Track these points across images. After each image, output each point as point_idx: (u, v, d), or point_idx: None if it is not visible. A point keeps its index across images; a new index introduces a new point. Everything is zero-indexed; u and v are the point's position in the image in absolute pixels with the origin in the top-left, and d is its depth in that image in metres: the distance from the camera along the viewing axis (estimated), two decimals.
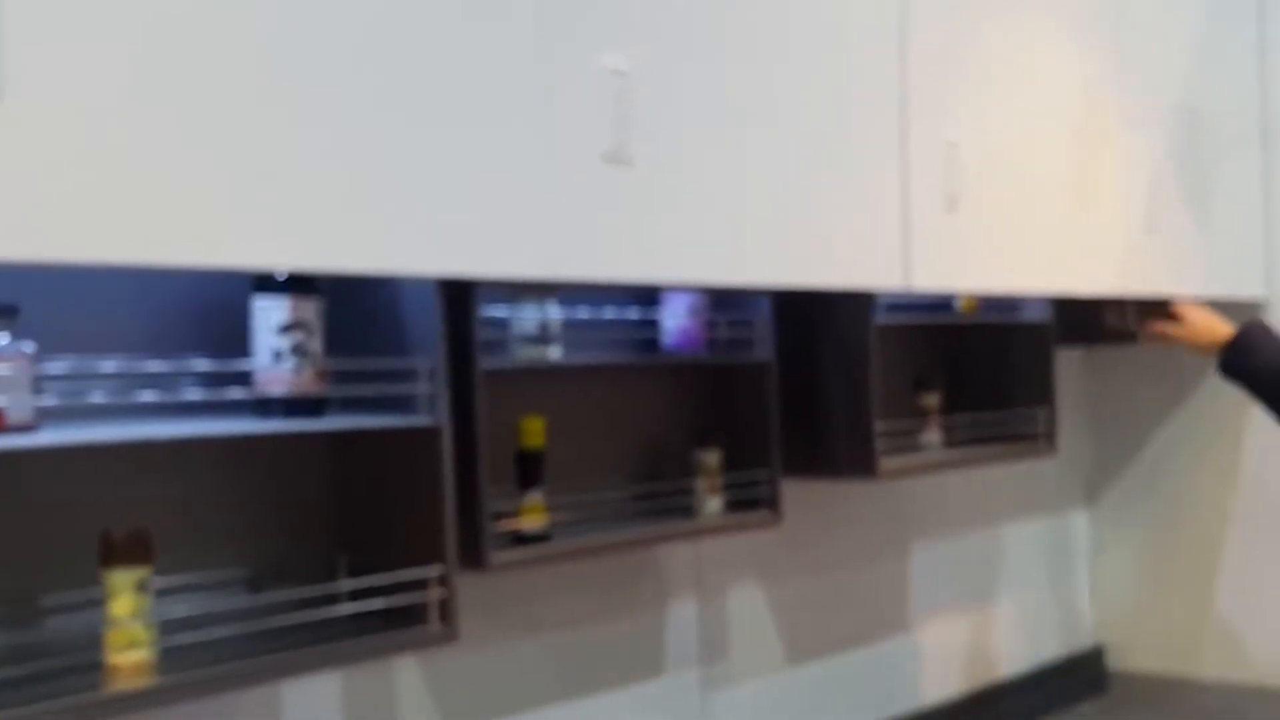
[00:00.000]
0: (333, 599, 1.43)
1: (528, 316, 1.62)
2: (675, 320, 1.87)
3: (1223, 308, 2.78)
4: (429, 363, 1.40)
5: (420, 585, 1.40)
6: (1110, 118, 2.33)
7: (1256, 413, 2.78)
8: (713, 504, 1.85)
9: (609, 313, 1.82)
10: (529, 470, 1.64)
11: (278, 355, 1.36)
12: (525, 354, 1.64)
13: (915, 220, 1.88)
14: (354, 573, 1.48)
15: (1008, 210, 2.08)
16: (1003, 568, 2.77)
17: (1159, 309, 2.22)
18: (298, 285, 1.37)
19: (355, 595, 1.43)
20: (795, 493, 1.96)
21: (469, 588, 1.47)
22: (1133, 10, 2.37)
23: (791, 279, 1.74)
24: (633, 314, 1.87)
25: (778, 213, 1.69)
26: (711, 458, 1.85)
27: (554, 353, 1.66)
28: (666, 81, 1.54)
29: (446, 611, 1.40)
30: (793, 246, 1.72)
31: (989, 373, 2.39)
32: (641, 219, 1.52)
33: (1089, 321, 2.45)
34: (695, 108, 1.58)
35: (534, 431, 1.65)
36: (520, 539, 1.61)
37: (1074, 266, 2.26)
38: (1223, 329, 2.15)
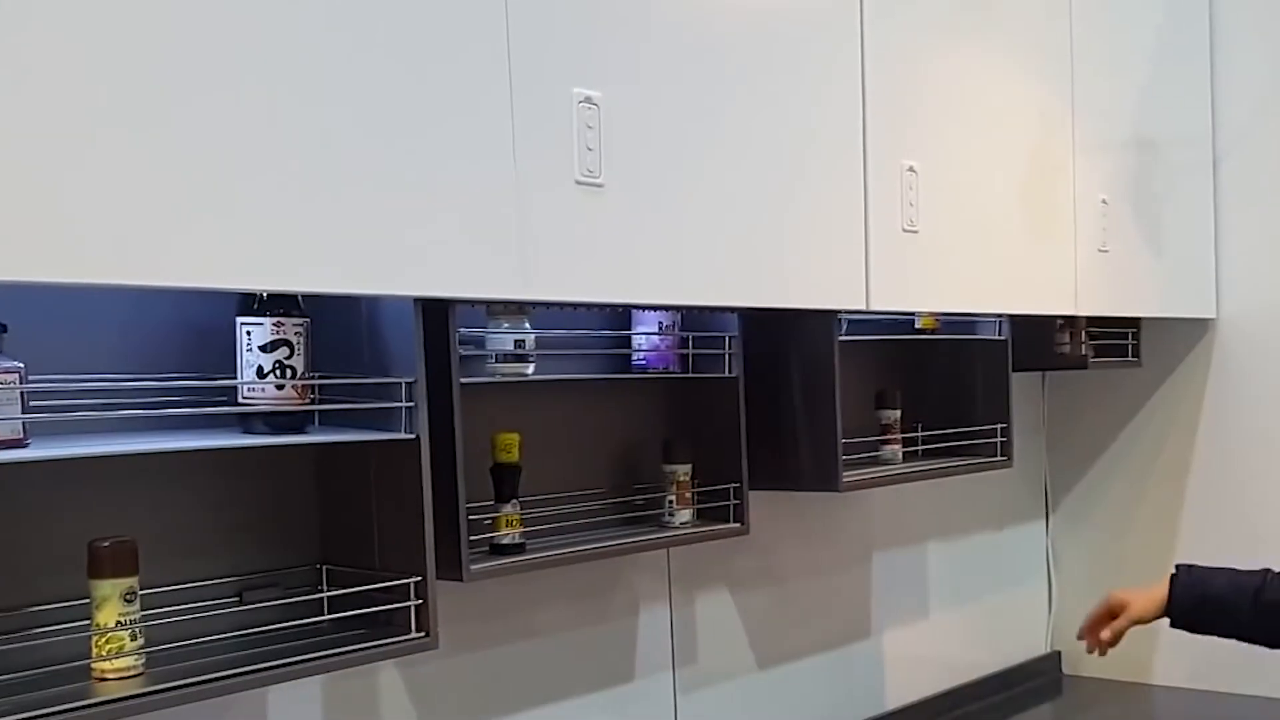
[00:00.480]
0: (316, 607, 1.47)
1: (504, 334, 1.67)
2: (646, 338, 1.93)
3: (1175, 326, 2.88)
4: (408, 378, 1.44)
5: (401, 594, 1.44)
6: (1064, 145, 2.40)
7: (1205, 429, 2.88)
8: (683, 515, 1.90)
9: (583, 331, 1.87)
10: (504, 483, 1.68)
11: (261, 372, 1.41)
12: (502, 370, 1.68)
13: (875, 243, 1.95)
14: (337, 582, 1.52)
15: (965, 234, 2.14)
16: (962, 577, 2.83)
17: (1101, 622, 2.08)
18: (281, 305, 1.41)
19: (338, 604, 1.48)
20: (762, 503, 2.02)
21: (448, 596, 1.51)
22: (1086, 41, 2.43)
23: (758, 300, 1.78)
24: (606, 332, 1.92)
25: (745, 236, 1.74)
26: (681, 470, 1.90)
27: (529, 369, 1.71)
28: (636, 110, 1.58)
29: (425, 620, 1.43)
30: (759, 268, 1.77)
31: (948, 388, 2.45)
32: (613, 242, 1.56)
33: (1044, 348, 2.53)
34: (665, 135, 1.62)
35: (508, 446, 1.69)
36: (497, 549, 1.66)
37: (1029, 288, 2.32)
38: (1156, 590, 2.01)
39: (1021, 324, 2.43)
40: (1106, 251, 2.51)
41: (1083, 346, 2.67)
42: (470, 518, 1.56)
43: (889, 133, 1.97)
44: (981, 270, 2.19)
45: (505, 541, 1.66)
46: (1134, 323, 2.84)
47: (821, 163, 1.87)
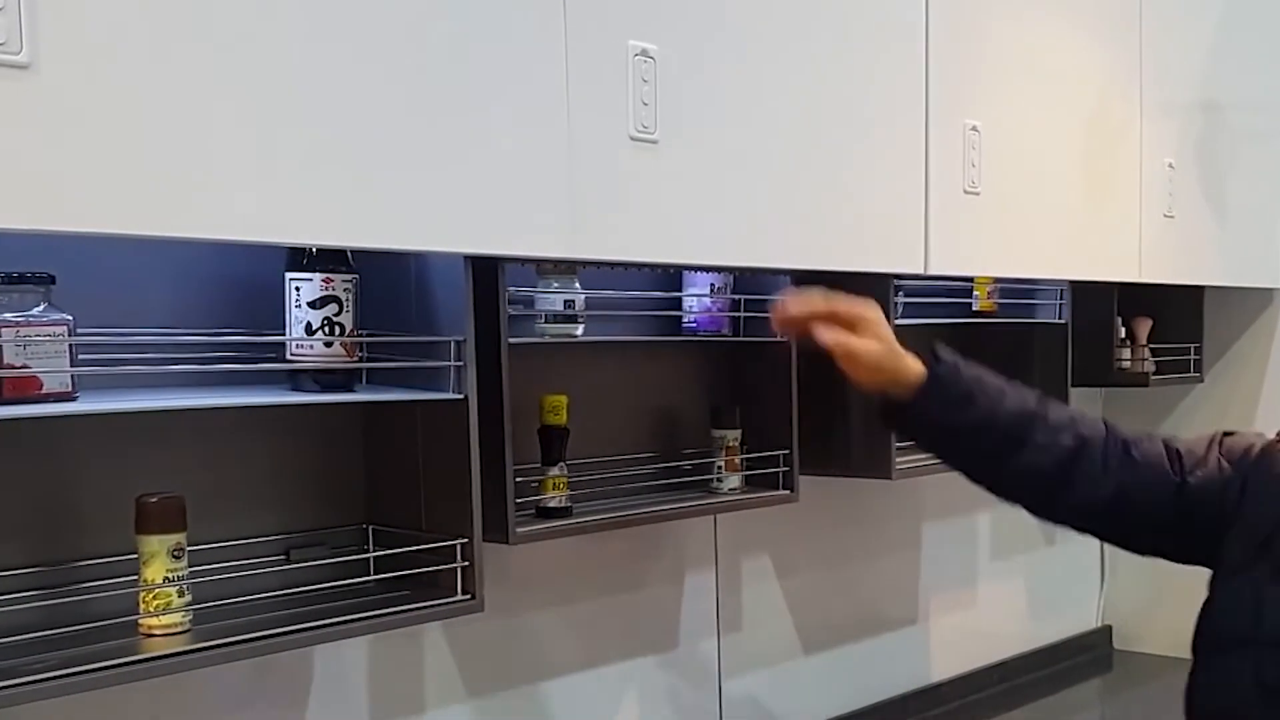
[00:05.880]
0: (362, 567, 1.45)
1: (554, 294, 1.64)
2: (697, 300, 1.89)
3: (1238, 296, 2.80)
4: (458, 337, 1.41)
5: (447, 555, 1.43)
6: (1129, 108, 2.33)
7: (1267, 401, 2.81)
8: (732, 481, 1.87)
9: (633, 292, 1.83)
10: (552, 445, 1.66)
11: (310, 329, 1.39)
12: (551, 330, 1.65)
13: (935, 204, 1.89)
14: (383, 542, 1.51)
15: (1028, 196, 2.09)
16: (1013, 549, 2.78)
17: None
18: (330, 261, 1.39)
19: (384, 564, 1.46)
20: (811, 480, 1.98)
21: (494, 559, 1.50)
22: (1155, 1, 2.36)
23: (813, 262, 1.74)
24: (656, 293, 1.88)
25: (801, 196, 1.70)
26: (730, 436, 1.87)
27: (579, 330, 1.68)
28: (693, 64, 1.54)
29: (471, 582, 1.42)
30: (816, 230, 1.73)
31: (1005, 371, 2.37)
32: (667, 200, 1.53)
33: (1105, 364, 2.47)
34: (721, 91, 1.58)
35: (556, 408, 1.67)
36: (544, 512, 1.64)
37: (1092, 254, 2.26)
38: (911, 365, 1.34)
39: (1082, 338, 2.36)
40: (1172, 217, 2.43)
41: (1144, 363, 2.61)
42: (517, 480, 1.54)
43: (952, 90, 1.91)
44: (1044, 235, 2.14)
45: (552, 504, 1.64)
46: (1197, 336, 2.76)
47: (882, 120, 1.81)
